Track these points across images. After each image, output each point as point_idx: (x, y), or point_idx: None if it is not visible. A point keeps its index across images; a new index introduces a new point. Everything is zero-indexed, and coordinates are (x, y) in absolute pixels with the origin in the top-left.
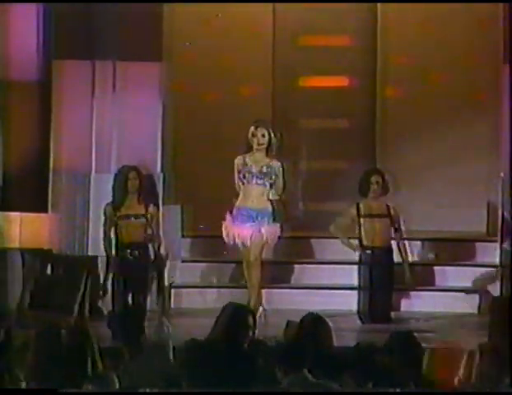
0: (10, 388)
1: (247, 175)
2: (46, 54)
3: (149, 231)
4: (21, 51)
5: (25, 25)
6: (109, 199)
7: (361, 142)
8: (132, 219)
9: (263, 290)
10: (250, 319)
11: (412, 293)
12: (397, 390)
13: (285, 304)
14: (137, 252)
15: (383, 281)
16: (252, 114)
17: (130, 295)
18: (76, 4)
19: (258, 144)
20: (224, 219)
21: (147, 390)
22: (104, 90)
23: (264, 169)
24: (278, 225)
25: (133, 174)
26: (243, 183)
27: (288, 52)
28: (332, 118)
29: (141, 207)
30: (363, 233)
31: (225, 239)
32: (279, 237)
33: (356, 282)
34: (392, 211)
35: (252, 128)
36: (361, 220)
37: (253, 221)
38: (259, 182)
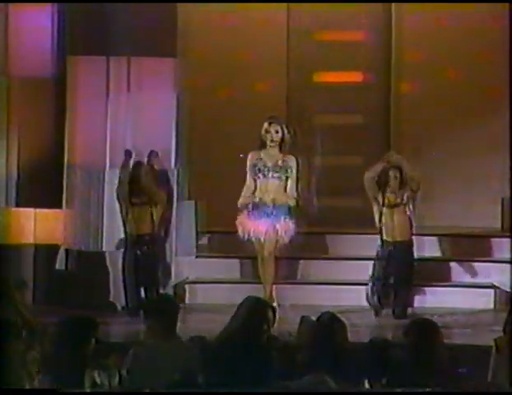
0: (10, 388)
1: (262, 169)
2: (60, 50)
3: (154, 218)
4: (36, 47)
5: (40, 21)
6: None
7: (376, 138)
8: (142, 206)
9: (278, 286)
10: (270, 314)
11: (427, 289)
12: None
13: (298, 299)
14: (145, 247)
15: (402, 276)
16: (266, 110)
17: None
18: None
19: (272, 140)
20: (239, 214)
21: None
22: (118, 85)
23: (280, 163)
24: (293, 221)
25: (139, 169)
26: (258, 178)
27: (302, 47)
28: (347, 113)
29: (148, 199)
30: (383, 226)
31: (240, 234)
32: (294, 233)
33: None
34: (405, 199)
35: (265, 124)
36: (384, 209)
37: (269, 217)
38: (275, 175)
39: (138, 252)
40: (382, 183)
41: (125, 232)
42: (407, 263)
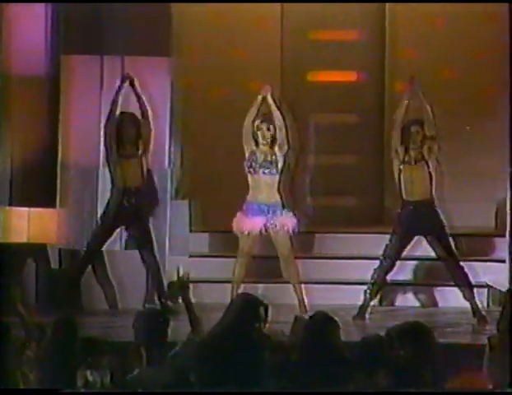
0: (10, 388)
1: (253, 165)
2: (54, 49)
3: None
4: (30, 46)
5: (34, 20)
6: None
7: (370, 137)
8: (132, 159)
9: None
10: (262, 312)
11: (420, 288)
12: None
13: (293, 298)
14: (133, 199)
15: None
16: (260, 110)
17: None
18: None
19: (263, 138)
20: (235, 214)
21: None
22: (112, 85)
23: (269, 158)
24: (291, 214)
25: (129, 120)
26: (250, 173)
27: (296, 46)
28: (341, 112)
29: (135, 149)
30: (402, 183)
31: (235, 231)
32: (297, 224)
33: (361, 276)
34: (426, 154)
35: (257, 122)
36: (401, 166)
37: (265, 216)
38: (266, 171)
39: (126, 203)
40: (404, 139)
41: (112, 185)
42: (433, 222)
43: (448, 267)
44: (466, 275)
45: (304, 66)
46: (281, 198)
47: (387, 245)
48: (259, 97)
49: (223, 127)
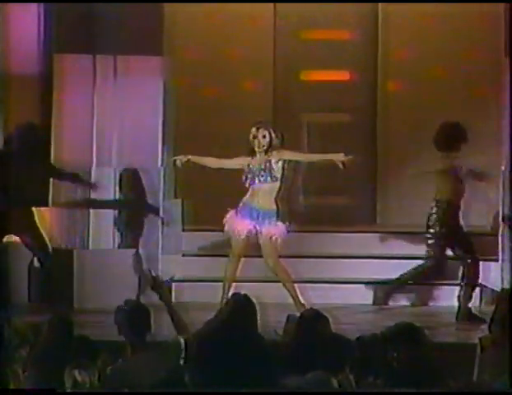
0: (10, 388)
1: (249, 176)
2: (47, 48)
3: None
4: (22, 45)
5: (26, 18)
6: (110, 193)
7: (362, 136)
8: None
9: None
10: (254, 311)
11: (411, 287)
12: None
13: (285, 298)
14: None
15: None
16: (253, 109)
17: None
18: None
19: (259, 146)
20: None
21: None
22: (104, 84)
23: (263, 166)
24: (281, 223)
25: None
26: (248, 184)
27: (289, 46)
28: (334, 112)
29: None
30: (436, 185)
31: (227, 232)
32: (286, 234)
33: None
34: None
35: (253, 130)
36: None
37: (254, 220)
38: (262, 180)
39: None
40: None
41: None
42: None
43: (464, 265)
44: (478, 275)
45: (297, 65)
46: (277, 207)
47: (428, 246)
48: None
49: (216, 125)
